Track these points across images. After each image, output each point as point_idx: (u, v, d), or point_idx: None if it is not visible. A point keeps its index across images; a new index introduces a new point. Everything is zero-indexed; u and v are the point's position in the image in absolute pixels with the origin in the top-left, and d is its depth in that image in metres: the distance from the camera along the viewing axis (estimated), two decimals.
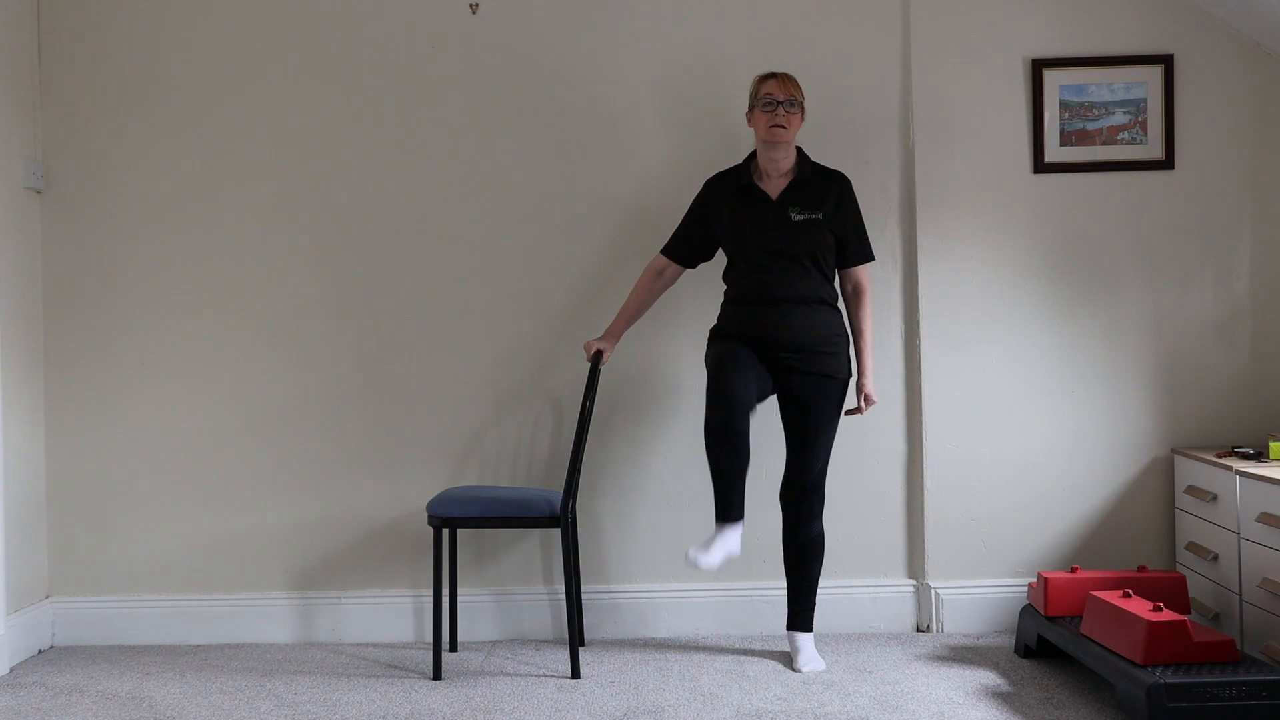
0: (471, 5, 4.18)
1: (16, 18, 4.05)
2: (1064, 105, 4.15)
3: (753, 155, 3.79)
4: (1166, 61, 4.14)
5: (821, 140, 4.12)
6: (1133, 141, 4.16)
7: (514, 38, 4.18)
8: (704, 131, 4.14)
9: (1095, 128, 4.16)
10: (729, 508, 3.57)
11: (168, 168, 4.18)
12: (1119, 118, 4.16)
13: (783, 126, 3.66)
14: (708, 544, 3.55)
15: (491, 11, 4.18)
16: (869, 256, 3.82)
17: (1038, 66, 4.15)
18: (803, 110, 3.71)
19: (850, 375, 3.77)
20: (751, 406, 3.59)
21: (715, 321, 3.82)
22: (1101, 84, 4.15)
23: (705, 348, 3.81)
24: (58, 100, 4.17)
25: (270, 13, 4.18)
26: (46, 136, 4.17)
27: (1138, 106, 4.15)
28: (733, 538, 3.58)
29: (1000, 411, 4.17)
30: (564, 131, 4.18)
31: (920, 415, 4.17)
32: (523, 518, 3.73)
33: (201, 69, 4.18)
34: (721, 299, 3.82)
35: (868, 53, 4.19)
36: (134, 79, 4.18)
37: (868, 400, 3.80)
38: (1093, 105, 4.16)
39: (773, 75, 3.72)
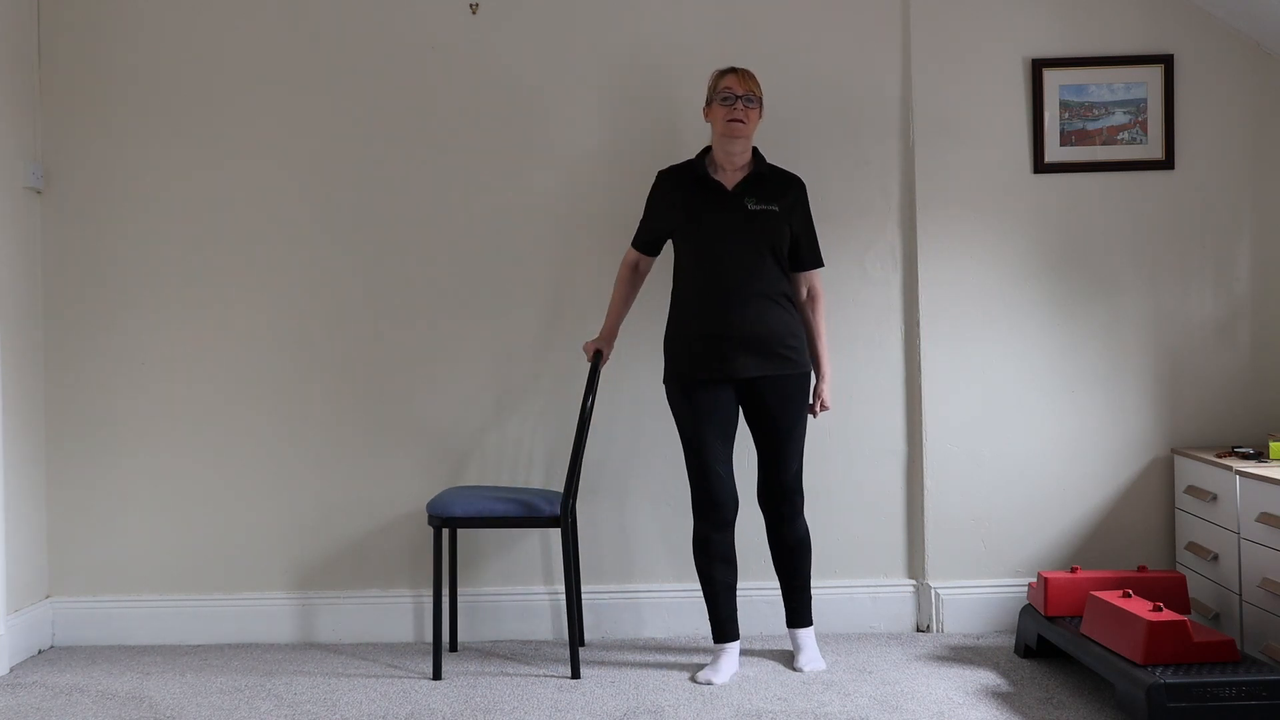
0: (472, 5, 4.18)
1: (16, 18, 4.05)
2: (1064, 105, 4.15)
3: (706, 150, 3.78)
4: (1166, 61, 4.14)
5: (822, 140, 4.13)
6: (1133, 141, 4.16)
7: (511, 39, 4.18)
8: (702, 131, 4.13)
9: (1095, 128, 4.16)
10: (728, 629, 3.75)
11: (168, 167, 4.18)
12: (1119, 118, 4.16)
13: (741, 121, 3.65)
14: (715, 665, 3.70)
15: (490, 12, 4.18)
16: (820, 262, 3.83)
17: (1038, 66, 4.15)
18: (761, 106, 3.71)
19: (810, 368, 3.77)
20: (736, 508, 3.73)
21: (667, 325, 3.77)
22: (1101, 84, 4.15)
23: (664, 365, 3.75)
24: (58, 100, 4.17)
25: (270, 13, 4.18)
26: (46, 136, 4.17)
27: (1138, 106, 4.15)
28: (735, 654, 3.75)
29: (1000, 411, 4.18)
30: (563, 131, 4.18)
31: (920, 415, 4.17)
32: (523, 518, 3.73)
33: (201, 69, 4.18)
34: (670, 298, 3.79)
35: (868, 53, 4.19)
36: (134, 79, 4.18)
37: (823, 406, 3.81)
38: (1093, 105, 4.16)
39: (732, 70, 3.72)
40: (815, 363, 3.81)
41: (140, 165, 4.18)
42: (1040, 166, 4.16)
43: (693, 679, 3.68)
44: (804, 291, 3.82)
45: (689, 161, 3.79)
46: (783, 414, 3.70)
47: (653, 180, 3.84)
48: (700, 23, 4.18)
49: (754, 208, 3.67)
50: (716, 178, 3.72)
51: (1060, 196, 4.17)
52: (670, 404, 3.77)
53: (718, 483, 3.68)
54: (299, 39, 4.19)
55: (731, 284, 3.64)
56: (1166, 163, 4.15)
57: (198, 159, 4.18)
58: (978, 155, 4.17)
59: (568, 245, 4.19)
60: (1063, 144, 4.16)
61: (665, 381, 3.77)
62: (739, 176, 3.72)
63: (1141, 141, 4.16)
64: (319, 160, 4.18)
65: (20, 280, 4.05)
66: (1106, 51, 4.16)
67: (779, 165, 3.83)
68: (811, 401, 3.80)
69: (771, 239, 3.67)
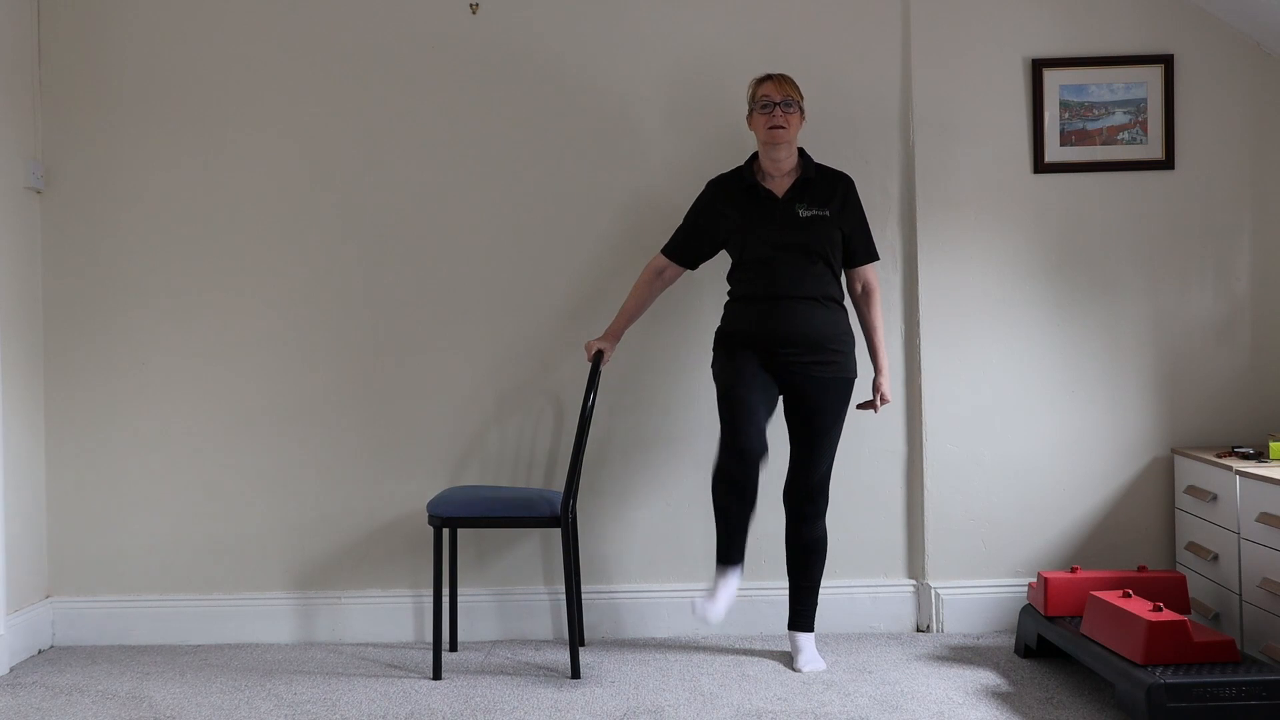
0: (472, 5, 4.18)
1: (16, 18, 4.05)
2: (1064, 105, 4.15)
3: (754, 157, 3.79)
4: (1166, 61, 4.14)
5: (821, 140, 4.12)
6: (1133, 141, 4.16)
7: (514, 38, 4.18)
8: (704, 131, 4.14)
9: (1095, 128, 4.16)
10: (733, 552, 3.63)
11: (167, 167, 4.18)
12: (1119, 118, 4.16)
13: (781, 127, 3.66)
14: (712, 592, 3.61)
15: (491, 11, 4.18)
16: (875, 256, 3.83)
17: (1038, 66, 4.15)
18: (801, 110, 3.71)
19: (856, 375, 3.77)
20: (765, 454, 3.60)
21: (720, 322, 3.80)
22: (1101, 84, 4.16)
23: (712, 352, 3.78)
24: (58, 100, 4.17)
25: (270, 12, 4.18)
26: (46, 136, 4.17)
27: (1138, 106, 4.15)
28: (734, 581, 3.65)
29: (1000, 411, 4.18)
30: (564, 131, 4.18)
31: (920, 415, 4.17)
32: (523, 517, 3.73)
33: (201, 69, 4.18)
34: (725, 298, 3.82)
35: (868, 53, 4.19)
36: (134, 79, 4.18)
37: (883, 399, 3.81)
38: (1093, 105, 4.16)
39: (769, 77, 3.72)
40: (873, 357, 3.81)
41: (140, 164, 4.18)
42: (1040, 166, 4.16)
43: (692, 611, 3.61)
44: (859, 287, 3.81)
45: (738, 170, 3.80)
46: (820, 412, 3.69)
47: (661, 181, 3.83)
48: (699, 22, 4.18)
49: (805, 215, 3.68)
50: (766, 186, 3.72)
51: (1060, 196, 4.17)
52: (714, 371, 3.74)
53: (746, 419, 3.55)
54: (301, 38, 4.18)
55: (782, 291, 3.64)
56: (1166, 163, 4.15)
57: (198, 159, 4.18)
58: (978, 155, 4.17)
59: (570, 245, 4.19)
60: (1063, 144, 4.16)
61: (714, 350, 3.77)
62: (788, 182, 3.72)
63: (1141, 141, 4.16)
64: (318, 160, 4.18)
65: (20, 280, 4.05)
66: (1106, 51, 4.16)
67: (824, 165, 3.82)
68: (871, 397, 3.80)
69: (823, 245, 3.67)
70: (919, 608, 4.19)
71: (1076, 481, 4.18)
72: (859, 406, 3.80)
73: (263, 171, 4.18)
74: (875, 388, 3.81)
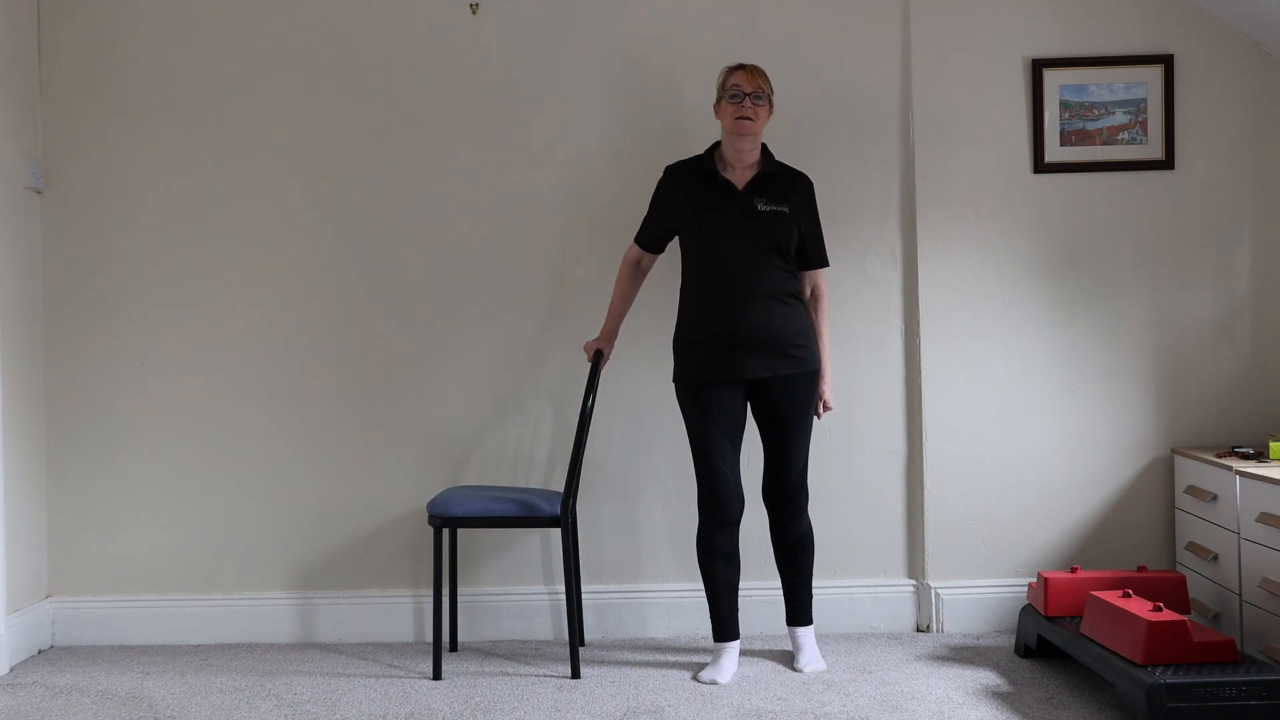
0: (472, 5, 4.18)
1: (16, 18, 4.05)
2: (1064, 105, 4.15)
3: (715, 146, 3.77)
4: (1166, 61, 4.14)
5: (821, 140, 4.13)
6: (1133, 141, 4.16)
7: (515, 37, 4.18)
8: (706, 133, 4.13)
9: (1095, 128, 4.16)
10: (729, 628, 3.75)
11: (168, 167, 4.18)
12: (1119, 118, 4.16)
13: (749, 118, 3.63)
14: (717, 665, 3.71)
15: (493, 13, 4.18)
16: (826, 261, 3.82)
17: (1038, 66, 4.15)
18: (770, 104, 3.70)
19: (819, 366, 3.75)
20: (742, 509, 3.72)
21: (676, 326, 3.76)
22: (1101, 84, 4.16)
23: (673, 364, 3.76)
24: (58, 100, 4.17)
25: (270, 12, 4.18)
26: (46, 136, 4.17)
27: (1138, 106, 4.15)
28: (735, 653, 3.75)
29: (1000, 411, 4.18)
30: (567, 132, 4.18)
31: (920, 415, 4.17)
32: (523, 517, 3.73)
33: (201, 68, 4.18)
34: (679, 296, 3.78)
35: (868, 53, 4.19)
36: (134, 79, 4.18)
37: (825, 406, 3.80)
38: (1093, 105, 4.16)
39: (741, 67, 3.70)
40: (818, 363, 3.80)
41: (140, 165, 4.18)
42: (1040, 166, 4.16)
43: (695, 679, 3.68)
44: (808, 291, 3.80)
45: (697, 157, 3.78)
46: (791, 412, 3.70)
47: (658, 177, 3.84)
48: (700, 22, 4.18)
49: (764, 208, 3.66)
50: (726, 175, 3.70)
51: (1060, 196, 4.17)
52: (679, 402, 3.77)
53: (723, 481, 3.68)
54: (299, 38, 4.18)
55: (740, 285, 3.63)
56: (1166, 163, 4.16)
57: (198, 158, 4.18)
58: (978, 155, 4.17)
59: (569, 244, 4.19)
60: (1063, 144, 4.16)
61: (674, 380, 3.77)
62: (748, 175, 3.70)
63: (1141, 141, 4.16)
64: (319, 160, 4.18)
65: (20, 280, 4.05)
66: (1106, 51, 4.16)
67: (785, 163, 3.82)
68: (816, 405, 3.80)
69: (780, 240, 3.65)
70: (919, 608, 4.19)
71: (1076, 481, 4.18)
72: None
73: (262, 170, 4.18)
74: (818, 395, 3.79)
